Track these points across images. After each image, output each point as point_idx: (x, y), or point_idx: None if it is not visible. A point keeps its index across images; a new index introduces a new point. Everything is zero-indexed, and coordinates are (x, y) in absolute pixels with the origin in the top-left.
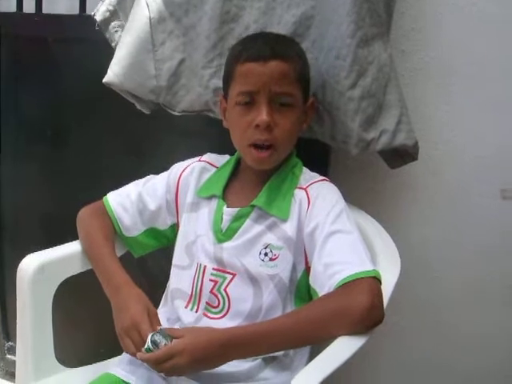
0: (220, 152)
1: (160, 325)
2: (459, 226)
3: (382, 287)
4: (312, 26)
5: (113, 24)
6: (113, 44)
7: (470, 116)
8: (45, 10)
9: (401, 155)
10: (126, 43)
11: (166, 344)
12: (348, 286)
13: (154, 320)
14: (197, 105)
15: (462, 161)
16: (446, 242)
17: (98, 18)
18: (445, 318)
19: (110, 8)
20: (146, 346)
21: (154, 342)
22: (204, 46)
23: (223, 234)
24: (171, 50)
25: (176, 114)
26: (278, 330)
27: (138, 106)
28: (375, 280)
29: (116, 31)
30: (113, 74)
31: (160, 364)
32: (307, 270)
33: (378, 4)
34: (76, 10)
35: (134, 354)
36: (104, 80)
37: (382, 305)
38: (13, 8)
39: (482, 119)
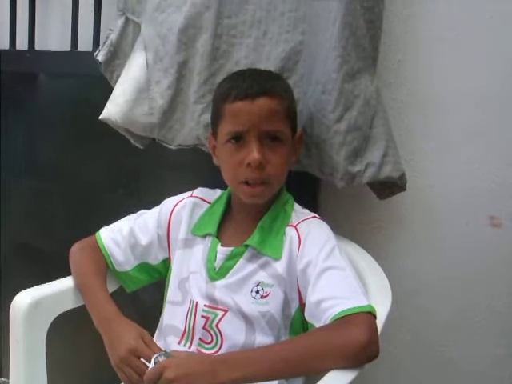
0: (212, 186)
1: (159, 349)
2: (448, 255)
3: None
4: (300, 61)
5: (112, 63)
6: (111, 82)
7: (457, 147)
8: (37, 47)
9: (389, 186)
10: (122, 82)
11: None
12: (344, 320)
13: (151, 345)
14: (190, 139)
15: (450, 191)
16: (435, 271)
17: (101, 58)
18: (436, 348)
19: (111, 49)
20: (150, 367)
21: (156, 364)
22: (196, 81)
23: (216, 273)
24: (165, 88)
25: (172, 148)
26: (271, 355)
27: (133, 142)
28: (371, 315)
29: (114, 70)
30: (108, 111)
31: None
32: (301, 306)
33: (364, 38)
34: (68, 47)
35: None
36: (100, 117)
37: (378, 340)
38: (6, 45)
39: (469, 150)
